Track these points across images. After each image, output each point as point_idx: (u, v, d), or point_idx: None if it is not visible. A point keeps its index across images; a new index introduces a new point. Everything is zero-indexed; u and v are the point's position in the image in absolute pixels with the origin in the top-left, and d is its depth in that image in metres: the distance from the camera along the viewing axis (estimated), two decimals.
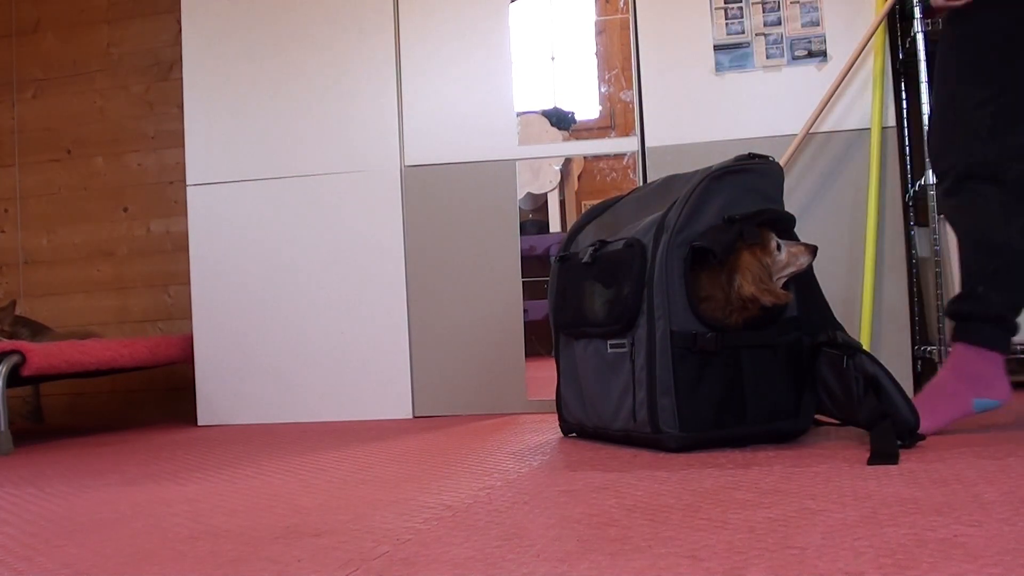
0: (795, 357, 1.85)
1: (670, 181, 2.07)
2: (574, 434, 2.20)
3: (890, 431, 1.64)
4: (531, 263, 4.04)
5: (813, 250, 1.87)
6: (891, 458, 1.55)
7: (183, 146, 3.20)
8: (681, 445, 1.80)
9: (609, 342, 1.95)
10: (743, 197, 1.88)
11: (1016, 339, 1.93)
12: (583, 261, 2.05)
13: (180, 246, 3.45)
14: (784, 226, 1.89)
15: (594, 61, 6.61)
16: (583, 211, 2.99)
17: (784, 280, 1.85)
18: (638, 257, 1.86)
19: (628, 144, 3.02)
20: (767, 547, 1.02)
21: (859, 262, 2.70)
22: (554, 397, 2.25)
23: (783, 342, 1.84)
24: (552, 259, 2.26)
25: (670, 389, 1.80)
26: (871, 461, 1.55)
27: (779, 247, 1.85)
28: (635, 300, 1.85)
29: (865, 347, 2.53)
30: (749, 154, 1.98)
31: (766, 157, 1.98)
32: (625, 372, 1.90)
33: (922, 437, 1.71)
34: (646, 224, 1.92)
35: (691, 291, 1.82)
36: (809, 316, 1.87)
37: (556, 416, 2.26)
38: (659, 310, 1.81)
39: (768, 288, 1.79)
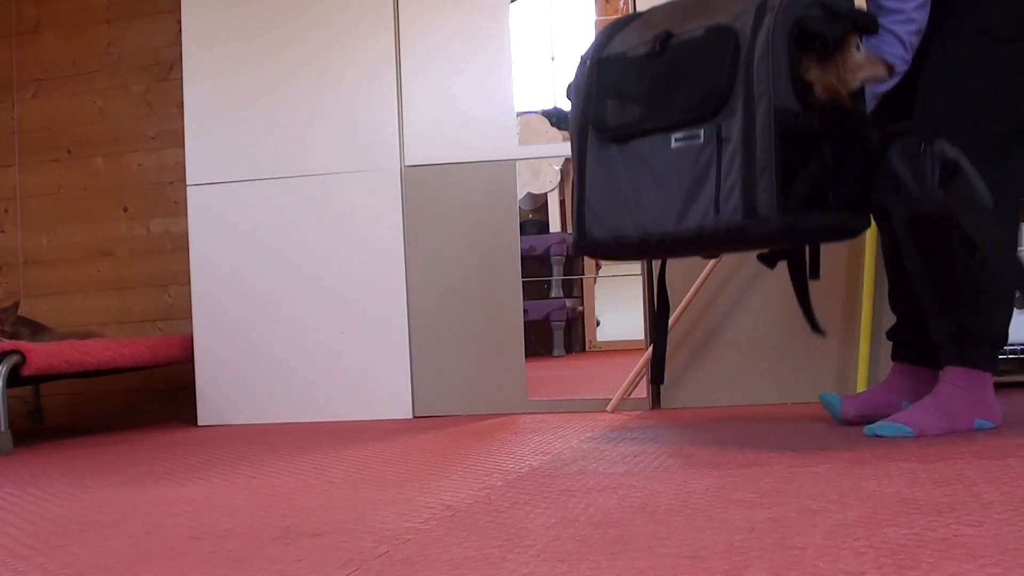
0: (870, 151, 1.82)
1: None
2: (602, 253, 2.08)
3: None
4: (531, 263, 4.04)
5: (890, 68, 1.82)
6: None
7: (183, 146, 3.19)
8: (778, 228, 1.75)
9: (673, 136, 1.88)
10: None
11: (1013, 341, 1.92)
12: (642, 54, 1.94)
13: (180, 246, 3.44)
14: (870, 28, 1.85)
15: None
16: None
17: (857, 83, 1.80)
18: (731, 41, 1.81)
19: None
20: (767, 547, 1.02)
21: (859, 262, 2.70)
22: (554, 395, 2.24)
23: (868, 135, 1.81)
24: (584, 62, 2.07)
25: (770, 169, 1.74)
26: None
27: (858, 47, 1.80)
28: (728, 83, 1.80)
29: (865, 344, 2.53)
30: None
31: None
32: (700, 164, 1.83)
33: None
34: (735, 12, 1.85)
35: (794, 68, 1.76)
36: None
37: (556, 416, 2.25)
38: (761, 87, 1.76)
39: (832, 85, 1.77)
